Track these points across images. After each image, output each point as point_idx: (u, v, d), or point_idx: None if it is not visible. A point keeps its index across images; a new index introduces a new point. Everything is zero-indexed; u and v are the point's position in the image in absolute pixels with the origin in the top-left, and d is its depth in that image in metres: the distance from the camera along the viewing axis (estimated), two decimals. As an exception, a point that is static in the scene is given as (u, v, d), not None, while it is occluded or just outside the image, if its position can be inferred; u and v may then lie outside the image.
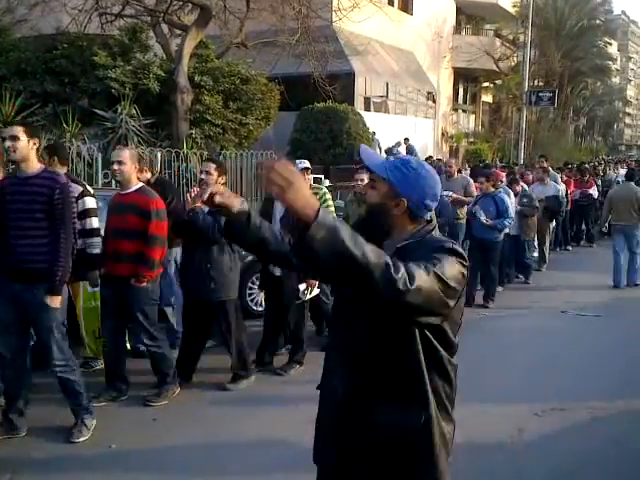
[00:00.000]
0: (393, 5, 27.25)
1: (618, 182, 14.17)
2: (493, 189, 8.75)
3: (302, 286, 5.67)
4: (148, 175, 5.88)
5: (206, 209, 5.19)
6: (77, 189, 5.24)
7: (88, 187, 5.60)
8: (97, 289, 5.35)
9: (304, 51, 16.52)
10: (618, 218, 10.17)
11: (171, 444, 4.42)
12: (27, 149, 4.07)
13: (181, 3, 15.15)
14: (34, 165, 4.14)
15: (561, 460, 4.27)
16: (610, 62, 47.40)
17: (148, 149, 11.72)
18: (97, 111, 12.74)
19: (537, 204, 10.28)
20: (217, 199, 2.04)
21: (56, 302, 4.10)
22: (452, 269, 1.91)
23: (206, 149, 13.49)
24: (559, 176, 13.35)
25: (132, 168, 4.86)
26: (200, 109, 14.28)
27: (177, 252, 6.12)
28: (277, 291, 5.80)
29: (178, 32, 15.73)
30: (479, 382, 5.29)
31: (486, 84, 36.88)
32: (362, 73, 23.36)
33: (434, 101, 29.36)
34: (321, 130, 17.92)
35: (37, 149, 4.19)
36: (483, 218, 8.54)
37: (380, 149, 19.89)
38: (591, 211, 14.85)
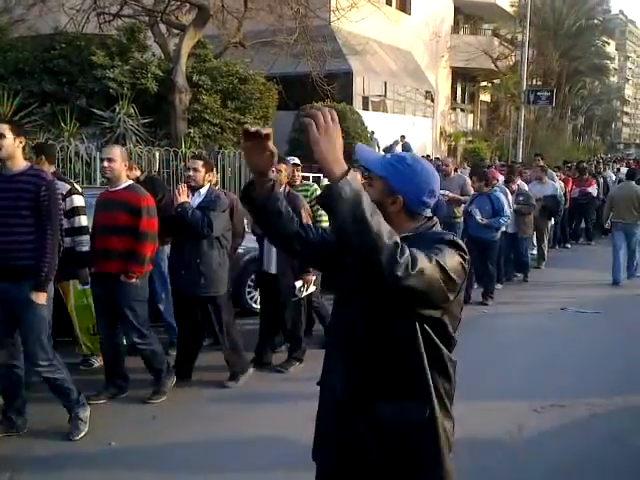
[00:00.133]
0: (391, 5, 27.25)
1: (620, 180, 14.24)
2: (487, 188, 8.74)
3: (298, 283, 5.65)
4: (137, 173, 5.88)
5: (194, 204, 5.20)
6: (65, 187, 5.24)
7: (76, 185, 5.61)
8: (87, 287, 5.34)
9: (302, 51, 16.52)
10: (619, 216, 10.25)
11: (171, 442, 4.42)
12: (13, 147, 4.07)
13: (179, 3, 15.15)
14: (20, 163, 4.13)
15: (560, 457, 4.27)
16: (608, 61, 47.48)
17: (146, 148, 11.72)
18: (95, 111, 12.73)
19: (534, 202, 10.29)
20: (269, 145, 2.02)
21: (42, 299, 4.06)
22: (453, 260, 1.91)
23: (204, 148, 13.48)
24: (555, 174, 13.36)
25: (122, 166, 4.86)
26: (198, 108, 14.28)
27: (168, 249, 6.11)
28: (273, 289, 5.79)
29: (176, 32, 15.73)
30: (478, 379, 5.29)
31: (484, 83, 36.90)
32: (360, 72, 23.36)
33: (432, 100, 29.37)
34: (320, 129, 17.91)
35: (23, 147, 4.18)
36: (479, 217, 8.54)
37: (379, 148, 19.89)
38: (590, 209, 14.86)
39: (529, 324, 7.75)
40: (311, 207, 6.50)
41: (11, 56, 14.13)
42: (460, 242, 1.99)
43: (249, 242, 6.56)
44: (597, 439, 4.59)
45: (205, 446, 4.37)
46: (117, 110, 12.56)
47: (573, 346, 6.92)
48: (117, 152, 4.89)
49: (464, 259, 1.96)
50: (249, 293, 7.49)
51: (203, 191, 5.29)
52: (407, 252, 1.75)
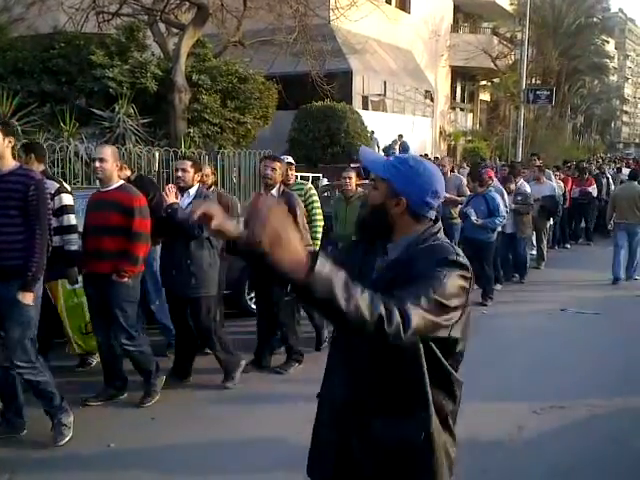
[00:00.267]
0: (390, 3, 27.25)
1: (621, 181, 14.28)
2: (482, 188, 8.72)
3: None
4: (127, 172, 5.85)
5: (184, 205, 5.18)
6: (53, 186, 5.21)
7: (65, 184, 5.61)
8: (77, 286, 5.33)
9: (302, 50, 16.53)
10: (621, 216, 10.32)
11: (170, 443, 4.42)
12: (2, 147, 4.04)
13: (178, 2, 15.17)
14: (9, 163, 4.10)
15: (560, 457, 4.27)
16: (607, 60, 47.50)
17: (146, 148, 11.72)
18: (95, 110, 12.72)
19: (532, 201, 10.28)
20: (214, 225, 1.83)
21: (28, 299, 4.00)
22: (453, 286, 1.88)
23: (204, 148, 13.48)
24: (552, 174, 13.34)
25: (114, 166, 4.82)
26: (198, 108, 14.28)
27: (159, 249, 6.09)
28: (268, 289, 5.76)
29: (175, 31, 15.72)
30: (478, 380, 5.27)
31: (484, 82, 36.91)
32: (360, 72, 23.36)
33: (432, 99, 29.37)
34: (319, 129, 17.93)
35: (12, 147, 4.15)
36: (474, 218, 8.52)
37: (378, 148, 19.89)
38: (590, 209, 14.86)
39: (528, 325, 7.75)
40: (306, 206, 6.49)
41: (10, 55, 14.12)
42: (463, 260, 1.94)
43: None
44: (597, 440, 4.58)
45: (204, 447, 4.36)
46: (116, 110, 12.55)
47: (573, 347, 6.91)
48: (108, 152, 4.85)
49: (466, 278, 1.93)
50: (248, 294, 7.48)
51: (192, 191, 5.27)
52: (396, 317, 1.70)
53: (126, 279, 4.76)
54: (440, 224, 2.09)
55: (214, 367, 5.79)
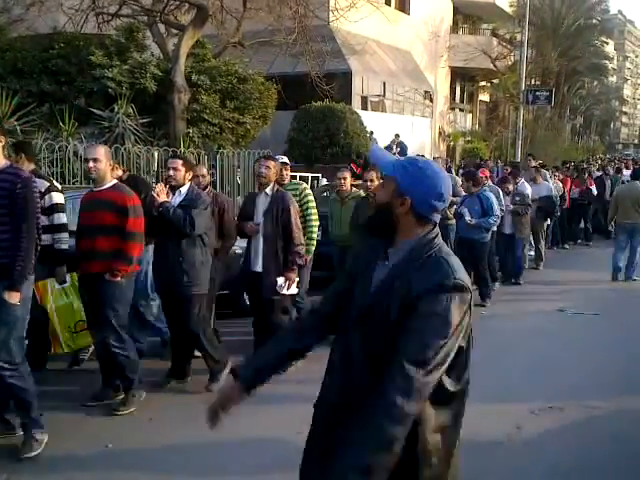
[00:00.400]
0: (390, 5, 27.25)
1: (622, 182, 14.38)
2: (476, 188, 8.72)
3: (280, 279, 5.63)
4: (119, 172, 5.84)
5: (175, 203, 5.16)
6: (43, 184, 5.21)
7: (55, 183, 5.61)
8: (65, 285, 5.31)
9: (301, 50, 16.51)
10: (624, 216, 10.42)
11: (168, 443, 4.41)
12: None
13: (178, 3, 15.14)
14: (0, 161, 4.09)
15: (558, 458, 4.27)
16: (607, 61, 47.58)
17: (145, 148, 11.71)
18: (94, 110, 12.71)
19: (530, 202, 10.29)
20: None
21: (14, 298, 3.94)
22: (456, 315, 1.91)
23: (203, 148, 13.47)
24: (548, 174, 13.35)
25: (107, 165, 4.81)
26: (197, 108, 14.27)
27: (151, 249, 6.05)
28: (259, 288, 5.75)
29: (175, 32, 15.69)
30: (477, 381, 5.25)
31: (483, 83, 36.91)
32: (359, 72, 23.35)
33: (431, 100, 29.37)
34: (318, 129, 17.91)
35: (2, 146, 4.11)
36: (467, 218, 8.52)
37: (378, 148, 19.85)
38: (589, 210, 14.89)
39: (527, 326, 7.75)
40: (301, 206, 6.48)
41: (10, 56, 14.10)
42: (462, 282, 1.92)
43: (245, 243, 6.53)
44: (596, 440, 4.58)
45: (203, 448, 4.36)
46: (116, 110, 12.54)
47: (572, 348, 6.91)
48: (102, 152, 4.83)
49: (466, 301, 1.94)
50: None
51: (183, 190, 5.25)
52: (401, 403, 1.82)
53: (119, 278, 4.72)
54: (437, 229, 2.07)
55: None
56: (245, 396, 2.23)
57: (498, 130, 33.66)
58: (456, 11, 33.60)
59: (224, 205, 6.11)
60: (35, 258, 4.09)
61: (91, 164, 4.75)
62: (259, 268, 5.73)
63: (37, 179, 5.07)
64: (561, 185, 13.57)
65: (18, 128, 10.76)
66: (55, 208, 5.28)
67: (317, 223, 6.67)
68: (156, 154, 11.50)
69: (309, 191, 6.78)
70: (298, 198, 6.51)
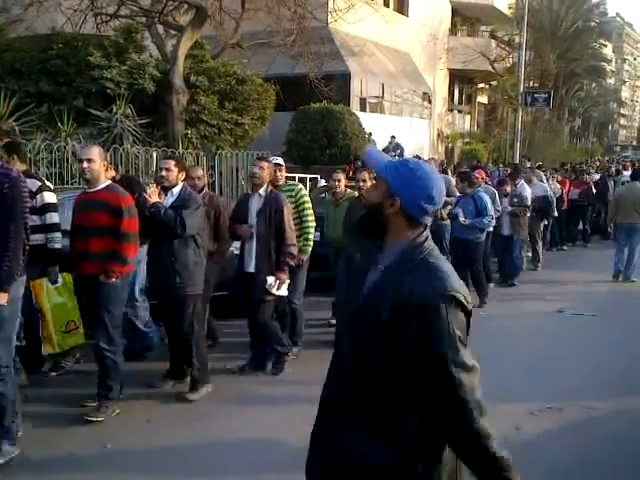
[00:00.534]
0: (389, 6, 27.28)
1: (622, 182, 14.48)
2: (471, 189, 8.72)
3: (270, 279, 5.60)
4: (112, 173, 5.82)
5: (167, 204, 5.14)
6: (34, 184, 5.20)
7: (47, 182, 5.59)
8: (58, 284, 5.28)
9: (300, 52, 16.50)
10: (625, 217, 10.54)
11: (166, 444, 4.41)
12: None
13: (176, 4, 15.11)
14: None
15: (557, 459, 4.27)
16: (605, 64, 47.62)
17: (144, 149, 11.70)
18: (92, 111, 12.69)
19: (528, 203, 10.29)
20: None
21: (1, 299, 3.91)
22: (461, 328, 1.91)
23: (202, 149, 13.46)
24: (544, 175, 13.37)
25: (101, 166, 4.78)
26: (196, 109, 14.26)
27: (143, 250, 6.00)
28: (252, 289, 5.72)
29: (173, 33, 15.69)
30: (475, 381, 5.28)
31: (482, 85, 36.94)
32: (358, 74, 23.36)
33: (430, 102, 29.38)
34: (317, 130, 17.91)
35: None
36: (461, 218, 8.51)
37: (376, 150, 19.89)
38: (588, 211, 14.92)
39: (525, 327, 7.75)
40: (297, 207, 6.46)
41: (8, 56, 14.09)
42: (458, 293, 1.90)
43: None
44: (594, 441, 4.58)
45: (200, 448, 4.35)
46: (114, 111, 12.52)
47: (570, 348, 6.91)
48: (96, 152, 4.79)
49: (466, 309, 1.93)
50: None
51: (176, 190, 5.22)
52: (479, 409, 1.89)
53: (114, 279, 4.69)
54: (427, 232, 2.05)
55: (211, 368, 5.78)
56: None
57: (496, 132, 33.67)
58: (455, 13, 33.62)
59: (220, 208, 6.08)
60: (24, 258, 4.06)
61: (85, 164, 4.72)
62: (252, 269, 5.71)
63: (28, 179, 5.06)
64: (559, 186, 13.58)
65: (17, 129, 10.74)
66: (47, 208, 5.26)
67: (313, 224, 6.64)
68: (155, 155, 11.49)
69: (305, 192, 6.75)
70: (294, 199, 6.48)
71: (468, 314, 1.93)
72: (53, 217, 5.30)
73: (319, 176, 14.80)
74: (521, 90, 26.28)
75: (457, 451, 1.93)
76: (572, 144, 44.18)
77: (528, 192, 10.48)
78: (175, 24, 15.32)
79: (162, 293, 5.31)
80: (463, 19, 35.49)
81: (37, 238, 5.07)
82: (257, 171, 5.74)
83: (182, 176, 5.30)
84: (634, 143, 74.11)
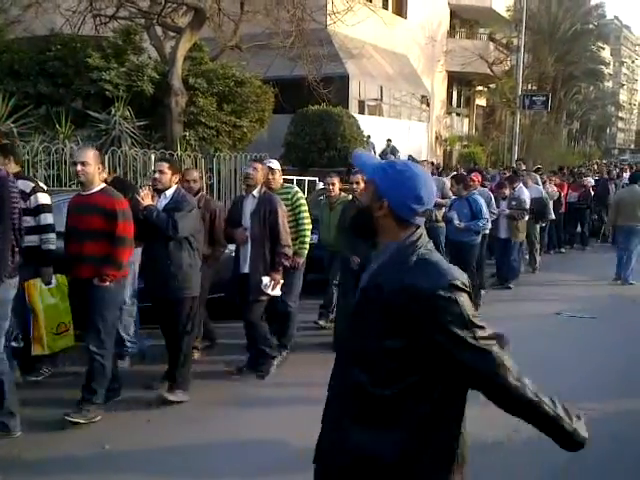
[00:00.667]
0: (387, 9, 27.32)
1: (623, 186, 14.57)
2: (466, 191, 8.72)
3: (265, 279, 5.59)
4: (104, 175, 5.81)
5: (161, 206, 5.13)
6: (28, 185, 5.19)
7: (40, 183, 5.57)
8: (51, 285, 5.25)
9: (298, 54, 16.51)
10: (625, 220, 10.65)
11: (166, 445, 4.40)
12: None
13: (175, 5, 15.11)
14: None
15: (557, 459, 4.24)
16: (603, 66, 47.69)
17: (142, 151, 11.70)
18: (91, 113, 12.69)
19: (527, 207, 10.28)
20: None
21: None
22: (470, 307, 1.92)
23: (200, 151, 13.46)
24: (539, 177, 13.38)
25: (96, 169, 4.71)
26: (194, 111, 14.25)
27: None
28: (246, 289, 5.71)
29: (172, 34, 15.69)
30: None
31: (480, 88, 37.01)
32: (356, 76, 23.39)
33: (428, 104, 29.43)
34: (315, 133, 17.92)
35: None
36: (456, 222, 8.49)
37: (375, 152, 19.91)
38: (586, 214, 14.94)
39: (524, 328, 7.74)
40: (293, 210, 6.45)
41: (6, 57, 14.07)
42: (459, 281, 1.90)
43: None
44: (594, 441, 4.52)
45: (200, 449, 4.35)
46: (113, 112, 12.52)
47: (569, 350, 6.92)
48: (90, 155, 4.74)
49: (467, 291, 1.94)
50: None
51: (169, 193, 5.20)
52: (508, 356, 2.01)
53: (107, 283, 4.64)
54: (420, 231, 2.04)
55: (209, 370, 5.79)
56: None
57: (495, 135, 33.74)
58: (453, 15, 33.69)
59: (215, 211, 6.05)
60: (15, 260, 4.03)
61: (79, 167, 4.66)
62: (247, 270, 5.69)
63: (22, 180, 5.07)
64: (555, 189, 13.58)
65: (15, 130, 10.73)
66: (41, 208, 5.23)
67: (309, 227, 6.63)
68: (153, 157, 11.48)
69: (301, 195, 6.73)
70: (290, 202, 6.46)
71: (470, 295, 1.96)
72: (47, 218, 5.27)
73: (317, 179, 14.79)
74: (519, 93, 26.34)
75: (505, 408, 2.04)
76: (570, 147, 44.28)
77: (526, 195, 10.47)
78: (174, 26, 15.32)
79: (157, 296, 5.27)
80: (461, 21, 35.56)
81: (31, 239, 5.06)
82: (251, 172, 5.73)
83: (176, 179, 5.27)
84: (632, 146, 74.32)
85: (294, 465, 3.97)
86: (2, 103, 11.29)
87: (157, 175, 5.19)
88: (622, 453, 4.43)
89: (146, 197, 5.05)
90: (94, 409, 4.70)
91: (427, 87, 29.66)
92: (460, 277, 1.92)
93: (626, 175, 17.29)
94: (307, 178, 14.51)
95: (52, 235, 5.25)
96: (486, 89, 37.09)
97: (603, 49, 48.98)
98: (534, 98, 27.47)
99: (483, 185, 12.87)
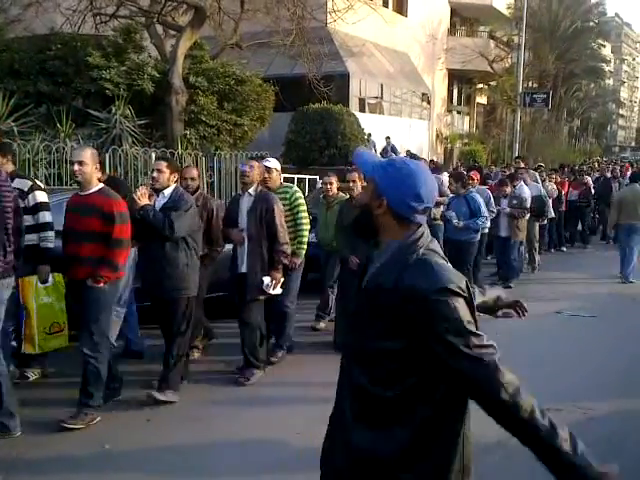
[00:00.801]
0: (388, 7, 27.30)
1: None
2: (464, 190, 8.70)
3: (266, 279, 5.55)
4: (99, 174, 5.80)
5: (159, 205, 5.11)
6: (25, 184, 5.18)
7: (38, 182, 5.55)
8: (47, 284, 5.21)
9: (299, 52, 16.50)
10: (626, 218, 10.74)
11: (165, 445, 4.41)
12: None
13: (175, 4, 15.11)
14: None
15: (557, 460, 4.26)
16: (604, 64, 47.69)
17: (142, 150, 11.70)
18: (91, 111, 12.70)
19: (527, 205, 10.26)
20: None
21: None
22: (465, 313, 1.88)
23: (201, 150, 13.46)
24: (538, 175, 13.35)
25: (93, 168, 4.66)
26: (195, 110, 14.26)
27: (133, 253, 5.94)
28: (244, 289, 5.67)
29: (172, 33, 15.69)
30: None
31: (480, 85, 36.98)
32: (357, 74, 23.38)
33: (429, 102, 29.41)
34: (316, 131, 17.92)
35: None
36: (455, 222, 8.47)
37: (375, 150, 19.92)
38: (587, 212, 14.93)
39: (525, 328, 7.69)
40: (291, 209, 6.42)
41: (7, 56, 14.09)
42: (456, 286, 1.87)
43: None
44: (592, 442, 4.52)
45: (200, 449, 4.35)
46: (113, 111, 12.53)
47: (568, 350, 6.91)
48: (88, 154, 4.68)
49: (467, 297, 1.91)
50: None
51: (167, 192, 5.16)
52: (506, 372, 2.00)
53: (102, 284, 4.59)
54: (423, 229, 2.02)
55: (209, 370, 5.79)
56: None
57: (495, 132, 33.73)
58: (453, 13, 33.65)
59: (213, 210, 6.01)
60: (5, 260, 4.01)
61: (76, 167, 4.61)
62: (244, 269, 5.66)
63: (19, 179, 5.06)
64: (555, 187, 13.54)
65: (15, 129, 10.74)
66: (39, 207, 5.21)
67: (308, 227, 6.59)
68: (153, 156, 11.49)
69: (300, 195, 6.66)
70: (288, 202, 6.41)
71: (468, 301, 1.91)
72: (46, 216, 5.24)
73: (318, 177, 14.80)
74: (520, 90, 26.31)
75: (498, 422, 1.99)
76: (571, 145, 44.23)
77: (527, 194, 10.44)
78: (174, 24, 15.32)
79: (155, 295, 5.26)
80: (462, 19, 35.53)
81: (30, 238, 5.05)
82: (247, 169, 5.70)
83: (175, 177, 5.23)
84: (632, 144, 74.24)
85: (294, 464, 3.98)
86: (2, 102, 11.30)
87: (155, 174, 5.14)
88: (621, 453, 4.43)
89: (143, 197, 5.00)
90: (92, 412, 4.67)
91: (428, 85, 29.64)
92: (457, 281, 1.88)
93: (628, 173, 17.31)
94: (307, 177, 14.52)
95: (50, 233, 5.23)
96: (487, 87, 37.07)
97: (604, 46, 48.96)
98: (535, 96, 27.45)
99: (485, 183, 12.92)
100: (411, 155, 20.84)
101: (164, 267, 5.06)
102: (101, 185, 4.78)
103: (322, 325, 7.50)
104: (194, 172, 6.20)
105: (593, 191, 15.07)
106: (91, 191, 4.69)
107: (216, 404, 5.16)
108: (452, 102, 34.70)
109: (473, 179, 9.29)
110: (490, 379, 1.91)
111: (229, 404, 5.16)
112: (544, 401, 5.51)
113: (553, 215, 12.38)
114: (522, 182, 10.77)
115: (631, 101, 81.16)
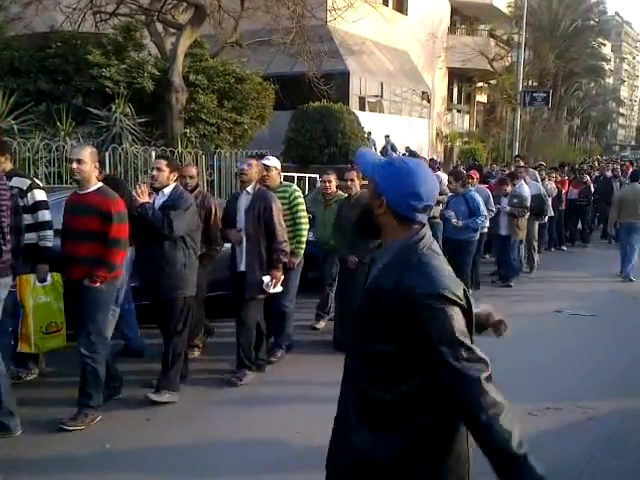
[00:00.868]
0: (388, 5, 27.26)
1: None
2: (463, 189, 8.69)
3: (266, 278, 5.52)
4: (96, 173, 5.77)
5: (158, 204, 5.09)
6: (24, 183, 5.16)
7: (36, 180, 5.54)
8: (46, 283, 5.17)
9: (299, 51, 16.48)
10: (627, 216, 10.79)
11: (165, 444, 4.41)
12: None
13: (175, 2, 15.11)
14: None
15: (556, 459, 4.26)
16: (604, 63, 47.71)
17: (142, 148, 11.69)
18: (91, 110, 12.69)
19: (528, 204, 10.25)
20: None
21: None
22: (459, 323, 1.86)
23: (201, 148, 13.45)
24: (537, 173, 13.34)
25: (92, 167, 4.63)
26: (195, 108, 14.25)
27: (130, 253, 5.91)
28: (242, 288, 5.64)
29: (173, 31, 15.68)
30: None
31: (480, 84, 36.96)
32: (357, 73, 23.37)
33: (429, 101, 29.40)
34: (316, 129, 17.90)
35: None
36: (454, 221, 8.45)
37: (375, 149, 19.92)
38: (587, 211, 14.92)
39: (523, 327, 7.71)
40: (290, 209, 6.41)
41: (7, 54, 14.08)
42: (452, 293, 1.85)
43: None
44: (592, 441, 4.58)
45: (199, 448, 4.35)
46: (113, 109, 12.52)
47: (569, 349, 6.91)
48: (87, 153, 4.65)
49: (462, 306, 1.89)
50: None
51: (167, 191, 5.14)
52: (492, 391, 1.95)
53: (98, 284, 4.56)
54: (425, 230, 2.01)
55: (210, 368, 5.79)
56: None
57: (495, 131, 33.73)
58: (454, 12, 33.63)
59: (211, 209, 5.99)
60: (5, 260, 4.00)
61: (75, 165, 4.58)
62: (242, 267, 5.64)
63: (18, 178, 5.04)
64: (554, 186, 13.53)
65: (15, 127, 10.73)
66: (38, 205, 5.19)
67: (307, 227, 6.57)
68: (154, 154, 11.49)
69: (299, 194, 6.64)
70: (288, 201, 6.39)
71: (464, 309, 1.89)
72: (45, 215, 5.22)
73: (318, 176, 14.79)
74: (520, 89, 26.30)
75: (475, 440, 1.95)
76: (571, 144, 44.22)
77: (527, 192, 10.42)
78: (174, 22, 15.30)
79: (153, 294, 5.25)
80: (462, 18, 35.51)
81: (29, 236, 5.05)
82: (245, 168, 5.68)
83: (174, 176, 5.20)
84: (632, 143, 74.25)
85: (294, 464, 3.97)
86: (2, 100, 11.30)
87: (155, 172, 5.12)
88: (620, 453, 4.43)
89: (143, 194, 4.98)
90: (91, 413, 4.65)
91: (428, 83, 29.63)
92: (454, 288, 1.87)
93: (629, 172, 17.28)
94: (308, 175, 14.51)
95: (49, 232, 5.21)
96: (487, 85, 37.05)
97: (604, 45, 48.96)
98: (535, 94, 27.45)
99: (485, 182, 12.92)
100: (410, 152, 20.86)
101: (162, 266, 5.04)
102: (100, 184, 4.74)
103: (321, 324, 7.49)
104: (193, 170, 6.18)
105: (593, 190, 15.07)
106: (89, 190, 4.66)
107: (216, 403, 5.16)
108: (452, 101, 34.68)
109: (472, 178, 9.28)
110: (470, 398, 1.85)
111: (229, 403, 5.16)
112: (544, 400, 5.55)
113: (552, 214, 12.37)
114: (522, 181, 10.76)
115: (631, 100, 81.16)
